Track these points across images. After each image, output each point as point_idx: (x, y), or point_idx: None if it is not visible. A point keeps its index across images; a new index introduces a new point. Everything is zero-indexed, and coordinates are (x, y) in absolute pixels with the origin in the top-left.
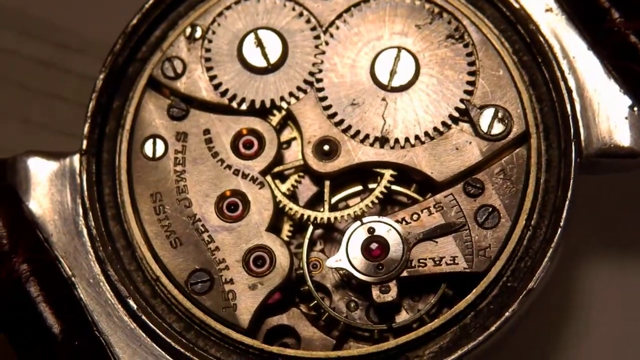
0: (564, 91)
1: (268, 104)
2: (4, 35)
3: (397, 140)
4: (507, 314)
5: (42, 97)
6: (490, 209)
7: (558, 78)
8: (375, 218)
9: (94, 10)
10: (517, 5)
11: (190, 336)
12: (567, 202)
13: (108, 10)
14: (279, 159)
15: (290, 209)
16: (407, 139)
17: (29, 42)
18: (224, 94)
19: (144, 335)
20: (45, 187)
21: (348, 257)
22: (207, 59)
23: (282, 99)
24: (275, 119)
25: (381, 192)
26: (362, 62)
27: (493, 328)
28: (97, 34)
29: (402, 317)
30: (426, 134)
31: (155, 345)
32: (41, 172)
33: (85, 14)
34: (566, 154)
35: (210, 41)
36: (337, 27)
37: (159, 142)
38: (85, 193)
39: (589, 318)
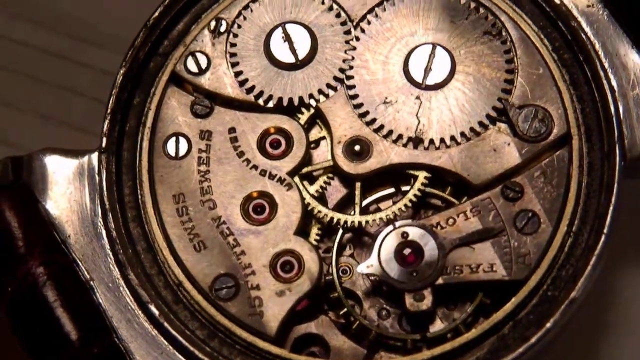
0: (607, 91)
1: (296, 102)
2: (17, 26)
3: (431, 141)
4: (548, 324)
5: (57, 91)
6: (530, 214)
7: (600, 77)
8: (409, 222)
9: (111, 2)
10: (557, 1)
11: (214, 344)
12: (610, 208)
13: (126, 2)
14: (307, 159)
15: (319, 211)
16: (442, 140)
17: (44, 34)
18: (250, 90)
19: (166, 342)
20: (63, 186)
21: (380, 262)
22: (233, 54)
23: (310, 96)
24: (304, 117)
25: (415, 195)
26: (395, 59)
27: (533, 339)
28: (114, 27)
29: (437, 326)
30: (462, 134)
31: (177, 354)
32: (59, 170)
33: (102, 6)
34: (609, 156)
35: (235, 35)
36: (369, 22)
37: (182, 140)
38: (105, 193)
39: (628, 328)
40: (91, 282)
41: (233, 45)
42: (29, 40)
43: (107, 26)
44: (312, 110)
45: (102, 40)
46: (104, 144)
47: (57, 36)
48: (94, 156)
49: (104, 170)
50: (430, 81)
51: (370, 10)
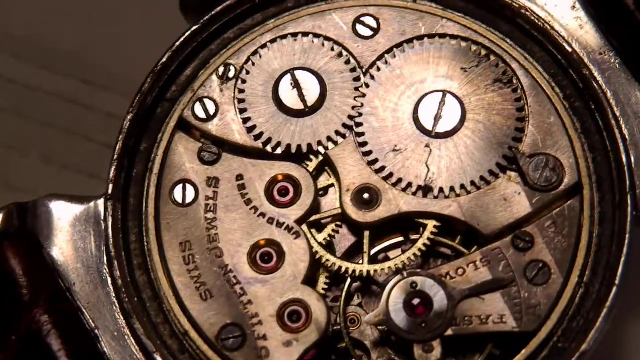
0: (619, 140)
1: (305, 149)
2: (26, 69)
3: (441, 190)
4: None
5: (63, 135)
6: (541, 265)
7: (612, 126)
8: (418, 272)
9: (120, 45)
10: (569, 49)
11: None
12: (622, 259)
13: (135, 45)
14: (315, 207)
15: (327, 260)
16: (452, 189)
17: (52, 77)
18: (258, 137)
19: None
20: (68, 233)
21: (388, 312)
22: (241, 100)
23: (319, 143)
24: (312, 164)
25: (424, 244)
26: (405, 106)
27: None
28: (123, 70)
29: None
30: (472, 183)
31: None
32: (64, 217)
33: (111, 49)
34: (621, 206)
35: (244, 81)
36: (379, 69)
37: (189, 187)
38: (111, 240)
39: None
40: (96, 331)
41: (241, 91)
42: (36, 82)
43: (116, 68)
44: (320, 158)
45: (111, 82)
46: (110, 190)
47: (65, 78)
48: (100, 202)
49: (110, 217)
50: (440, 129)
51: (380, 57)
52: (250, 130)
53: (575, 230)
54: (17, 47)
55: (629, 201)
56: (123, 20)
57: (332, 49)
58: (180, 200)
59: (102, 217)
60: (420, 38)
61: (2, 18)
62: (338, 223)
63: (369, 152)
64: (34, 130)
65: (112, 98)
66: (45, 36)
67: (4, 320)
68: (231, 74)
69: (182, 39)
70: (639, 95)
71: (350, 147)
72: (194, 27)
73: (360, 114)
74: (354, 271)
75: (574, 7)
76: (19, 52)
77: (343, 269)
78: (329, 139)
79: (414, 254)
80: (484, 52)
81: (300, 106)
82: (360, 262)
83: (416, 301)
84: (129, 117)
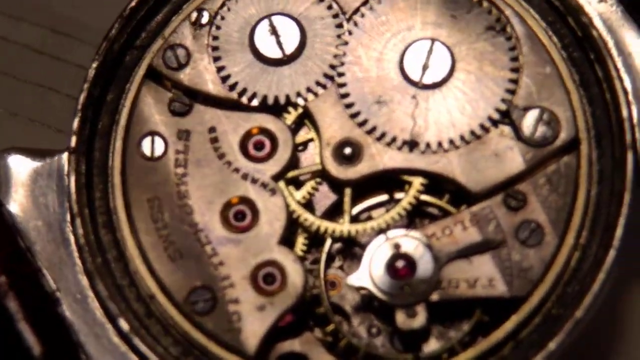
0: (620, 92)
1: (282, 100)
2: None
3: (428, 144)
4: (551, 345)
5: (31, 87)
6: (534, 225)
7: (613, 77)
8: (402, 232)
9: None
10: None
11: None
12: (621, 219)
13: None
14: (293, 163)
15: (306, 219)
16: (439, 143)
17: (19, 26)
18: (232, 87)
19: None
20: (29, 188)
21: (370, 275)
22: (215, 48)
23: (298, 94)
24: (291, 117)
25: (409, 203)
26: (390, 55)
27: None
28: (94, 20)
29: (431, 346)
30: (462, 137)
31: None
32: (24, 171)
33: None
34: (621, 163)
35: (218, 28)
36: (363, 15)
37: (158, 140)
38: (74, 196)
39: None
40: (57, 293)
41: (215, 38)
42: (1, 31)
43: (87, 18)
44: (299, 110)
45: (81, 32)
46: (73, 144)
47: (33, 28)
48: (64, 157)
49: (73, 172)
50: (427, 79)
51: (365, 3)
52: (224, 79)
53: (572, 189)
54: None
55: (630, 158)
56: None
57: None
58: (148, 154)
59: (65, 172)
60: None
61: None
62: (318, 180)
63: (352, 104)
64: (1, 83)
65: (82, 49)
66: None
67: None
68: (204, 20)
69: None
70: None
71: (332, 99)
72: None
73: (343, 63)
74: (334, 231)
75: None
76: None
77: (322, 229)
78: (309, 89)
79: (398, 213)
80: None
81: (278, 54)
82: (341, 221)
83: (400, 263)
84: (94, 65)
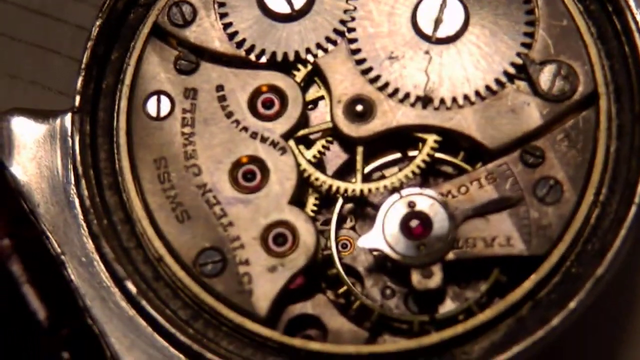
0: (639, 45)
1: (292, 57)
2: None
3: (442, 100)
4: (571, 305)
5: (32, 49)
6: (552, 182)
7: (632, 30)
8: (417, 190)
9: None
10: None
11: (198, 326)
12: None
13: None
14: (303, 121)
15: (317, 178)
16: (454, 99)
17: None
18: (240, 44)
19: (144, 323)
20: (32, 150)
21: (384, 235)
22: (221, 4)
23: (308, 51)
24: (300, 74)
25: (423, 161)
26: (402, 9)
27: (555, 321)
28: None
29: (447, 307)
30: (477, 93)
31: (156, 336)
32: (27, 133)
33: None
34: None
35: None
36: None
37: (164, 99)
38: (78, 158)
39: None
40: (62, 257)
41: None
42: None
43: None
44: (309, 67)
45: None
46: (77, 103)
47: None
48: (67, 117)
49: (78, 133)
50: (441, 34)
51: None
52: (231, 36)
53: (591, 144)
54: None
55: None
56: None
57: None
58: (154, 114)
59: (69, 133)
60: None
61: None
62: (329, 138)
63: (363, 60)
64: (0, 44)
65: (83, 9)
66: None
67: None
68: None
69: None
70: None
71: (342, 55)
72: None
73: (353, 18)
74: (345, 190)
75: None
76: None
77: (334, 189)
78: (319, 45)
79: (412, 172)
80: None
81: (287, 10)
82: (353, 181)
83: (414, 222)
84: (97, 23)
